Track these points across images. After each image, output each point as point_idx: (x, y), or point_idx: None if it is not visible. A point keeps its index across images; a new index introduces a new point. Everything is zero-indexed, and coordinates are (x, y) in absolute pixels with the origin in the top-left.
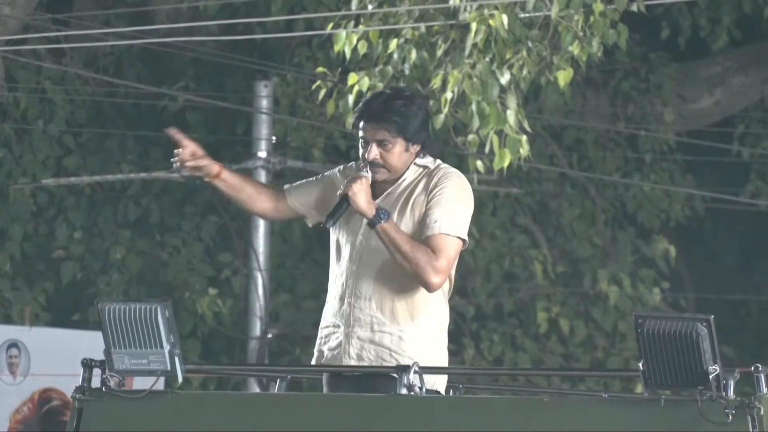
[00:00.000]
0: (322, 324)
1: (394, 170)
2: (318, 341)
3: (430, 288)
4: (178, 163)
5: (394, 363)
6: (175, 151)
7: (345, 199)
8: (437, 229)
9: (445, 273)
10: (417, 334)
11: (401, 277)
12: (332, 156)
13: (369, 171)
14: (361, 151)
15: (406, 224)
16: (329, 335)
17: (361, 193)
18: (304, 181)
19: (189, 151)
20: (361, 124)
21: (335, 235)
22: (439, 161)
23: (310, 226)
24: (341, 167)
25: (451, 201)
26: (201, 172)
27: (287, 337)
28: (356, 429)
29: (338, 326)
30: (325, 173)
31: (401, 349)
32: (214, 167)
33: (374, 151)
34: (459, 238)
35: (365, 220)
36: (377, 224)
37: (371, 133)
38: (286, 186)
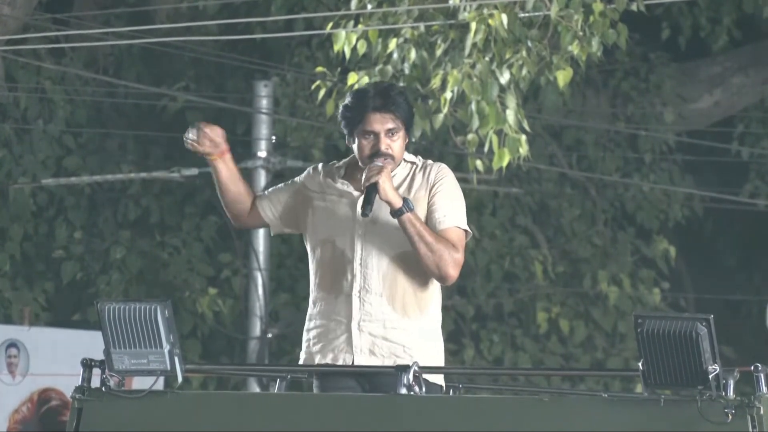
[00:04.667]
0: (315, 323)
1: (397, 161)
2: (309, 341)
3: (447, 281)
4: (197, 126)
5: (408, 358)
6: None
7: (374, 188)
8: (449, 222)
9: (461, 265)
10: (425, 327)
11: (408, 270)
12: (332, 156)
13: (386, 161)
14: (363, 142)
15: None
16: (327, 333)
17: (388, 182)
18: (275, 188)
19: (218, 130)
20: (368, 115)
21: (320, 231)
22: (420, 157)
23: (272, 235)
24: (310, 170)
25: (453, 195)
26: (211, 144)
27: (287, 337)
28: (356, 429)
29: (341, 323)
30: (295, 179)
31: (413, 344)
32: (224, 145)
33: (386, 141)
34: (466, 230)
35: (359, 214)
36: (404, 214)
37: (380, 123)
38: (259, 193)
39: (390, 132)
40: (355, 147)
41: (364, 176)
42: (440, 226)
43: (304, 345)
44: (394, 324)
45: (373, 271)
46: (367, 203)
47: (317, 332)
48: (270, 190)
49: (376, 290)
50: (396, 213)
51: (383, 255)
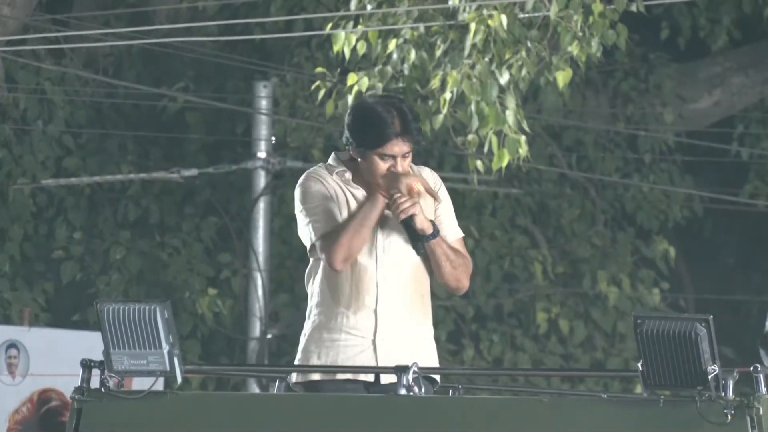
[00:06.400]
0: (326, 335)
1: None
2: (320, 351)
3: (462, 291)
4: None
5: (426, 363)
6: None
7: (411, 220)
8: (456, 233)
9: None
10: (431, 331)
11: (418, 281)
12: None
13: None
14: (380, 164)
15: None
16: (343, 347)
17: (422, 213)
18: (327, 217)
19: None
20: (391, 140)
21: None
22: None
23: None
24: (320, 179)
25: (450, 203)
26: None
27: (287, 337)
28: (356, 429)
29: (363, 338)
30: (323, 191)
31: (425, 350)
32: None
33: (402, 164)
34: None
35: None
36: (435, 238)
37: (400, 147)
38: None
39: (405, 155)
40: (365, 162)
41: (397, 209)
42: (450, 238)
43: (309, 353)
44: (412, 333)
45: (393, 286)
46: (417, 240)
47: (331, 344)
48: (326, 222)
49: (397, 304)
50: (428, 238)
51: (400, 269)
